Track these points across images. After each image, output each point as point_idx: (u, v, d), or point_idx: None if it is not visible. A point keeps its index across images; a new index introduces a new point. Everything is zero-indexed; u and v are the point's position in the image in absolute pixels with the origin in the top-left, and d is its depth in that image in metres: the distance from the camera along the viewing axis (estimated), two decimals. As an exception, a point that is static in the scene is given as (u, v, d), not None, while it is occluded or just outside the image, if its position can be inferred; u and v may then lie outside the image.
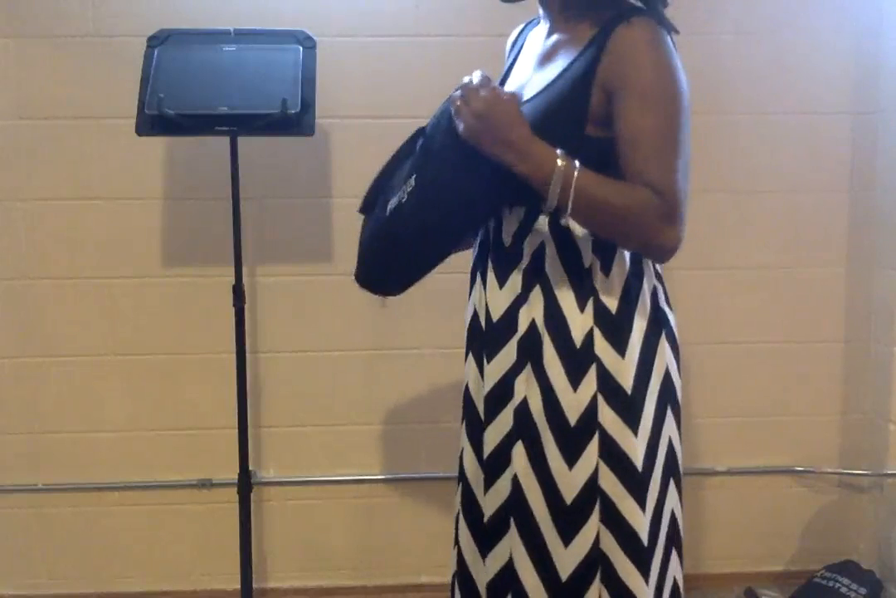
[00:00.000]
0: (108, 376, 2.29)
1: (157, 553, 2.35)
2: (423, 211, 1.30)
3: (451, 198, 1.29)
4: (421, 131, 1.38)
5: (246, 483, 2.00)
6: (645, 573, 1.31)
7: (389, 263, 1.41)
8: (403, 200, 1.31)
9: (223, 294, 1.98)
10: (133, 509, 2.33)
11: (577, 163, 1.21)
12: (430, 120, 1.35)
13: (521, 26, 1.55)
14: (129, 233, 2.25)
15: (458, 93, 1.26)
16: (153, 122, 1.87)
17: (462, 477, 1.47)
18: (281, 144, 2.18)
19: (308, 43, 1.97)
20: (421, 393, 2.34)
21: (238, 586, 2.04)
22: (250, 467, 2.03)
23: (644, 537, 1.31)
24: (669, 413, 1.38)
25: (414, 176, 1.30)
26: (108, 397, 2.30)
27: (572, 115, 1.26)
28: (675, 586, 1.43)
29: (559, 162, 1.20)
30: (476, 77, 1.26)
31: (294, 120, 1.87)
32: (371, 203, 1.43)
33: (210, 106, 1.86)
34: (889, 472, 2.31)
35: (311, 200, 2.27)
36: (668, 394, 1.37)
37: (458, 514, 1.48)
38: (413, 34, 2.23)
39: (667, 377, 1.37)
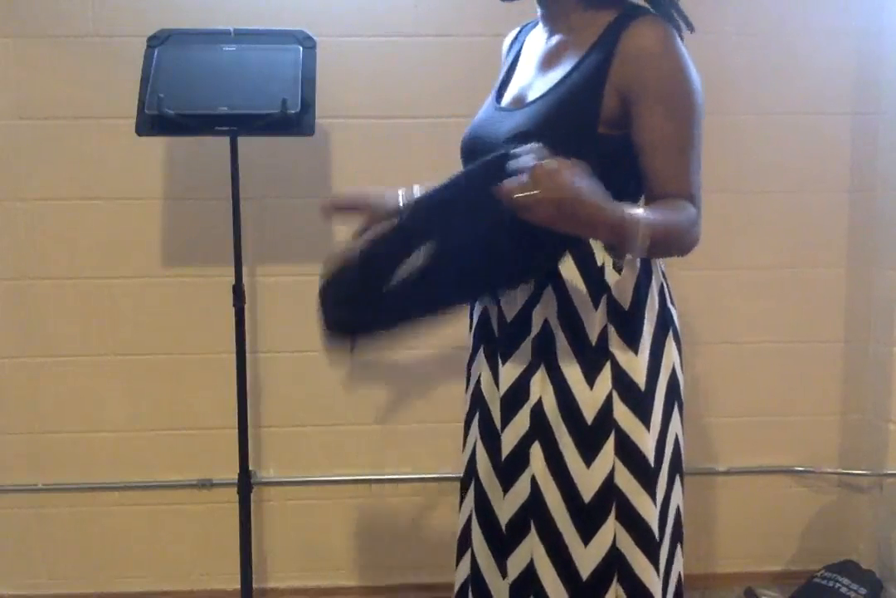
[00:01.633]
0: (108, 376, 2.29)
1: (157, 553, 2.35)
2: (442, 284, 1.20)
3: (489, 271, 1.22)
4: (416, 214, 1.21)
5: (246, 483, 2.00)
6: (657, 568, 1.33)
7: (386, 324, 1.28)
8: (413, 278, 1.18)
9: (223, 294, 1.98)
10: (133, 509, 2.33)
11: (643, 215, 1.12)
12: (438, 193, 1.19)
13: (518, 29, 1.55)
14: (129, 233, 2.25)
15: (513, 183, 1.04)
16: (153, 122, 1.87)
17: (475, 480, 1.46)
18: (281, 144, 2.18)
19: (308, 43, 1.96)
20: (421, 393, 2.34)
21: (238, 586, 2.04)
22: (250, 467, 2.03)
23: (656, 532, 1.32)
24: (676, 411, 1.39)
25: (431, 247, 1.16)
26: (108, 397, 2.30)
27: (584, 115, 1.26)
28: (678, 581, 1.44)
29: (636, 227, 1.10)
30: (538, 154, 1.07)
31: (294, 120, 1.87)
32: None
33: (210, 106, 1.86)
34: (889, 472, 2.31)
35: (311, 200, 2.27)
36: (674, 392, 1.38)
37: (470, 517, 1.48)
38: (413, 34, 2.23)
39: (673, 375, 1.38)
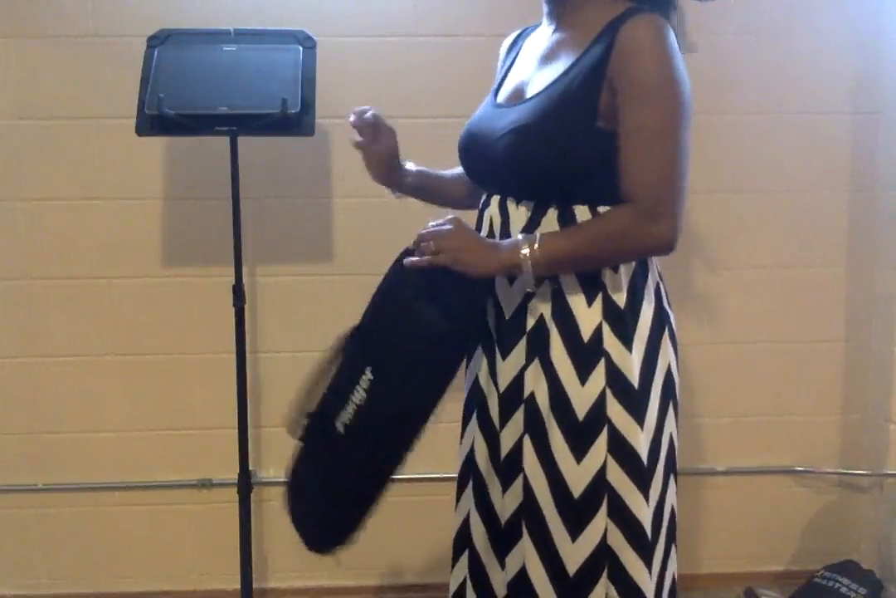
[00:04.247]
0: (108, 376, 2.29)
1: (157, 553, 2.35)
2: (399, 385, 1.33)
3: (428, 354, 1.31)
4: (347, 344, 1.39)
5: (246, 483, 2.00)
6: (650, 568, 1.33)
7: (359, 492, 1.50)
8: (363, 402, 1.36)
9: (223, 294, 1.97)
10: (133, 509, 2.33)
11: (537, 234, 1.28)
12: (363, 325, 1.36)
13: (518, 32, 1.55)
14: (129, 233, 2.25)
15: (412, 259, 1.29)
16: (153, 122, 1.86)
17: (474, 477, 1.47)
18: (281, 144, 2.17)
19: (308, 43, 1.96)
20: (421, 393, 2.33)
21: (238, 586, 2.04)
22: (250, 467, 2.03)
23: (649, 531, 1.32)
24: (671, 409, 1.39)
25: (369, 369, 1.33)
26: (108, 397, 2.29)
27: (583, 108, 1.27)
28: (673, 582, 1.44)
29: (524, 261, 1.27)
30: (433, 226, 1.31)
31: (294, 120, 1.87)
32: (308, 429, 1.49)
33: (210, 106, 1.86)
34: (889, 472, 2.31)
35: (311, 200, 2.27)
36: (669, 390, 1.38)
37: (468, 515, 1.48)
38: (413, 34, 2.23)
39: (668, 374, 1.38)
